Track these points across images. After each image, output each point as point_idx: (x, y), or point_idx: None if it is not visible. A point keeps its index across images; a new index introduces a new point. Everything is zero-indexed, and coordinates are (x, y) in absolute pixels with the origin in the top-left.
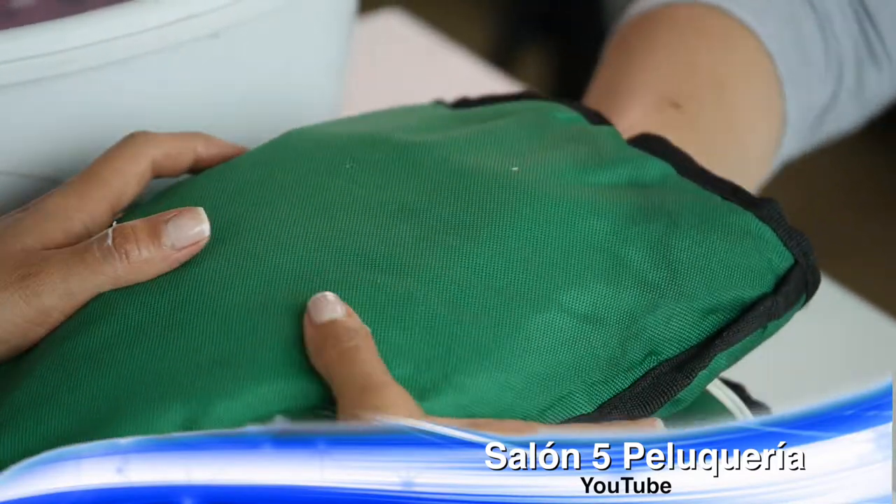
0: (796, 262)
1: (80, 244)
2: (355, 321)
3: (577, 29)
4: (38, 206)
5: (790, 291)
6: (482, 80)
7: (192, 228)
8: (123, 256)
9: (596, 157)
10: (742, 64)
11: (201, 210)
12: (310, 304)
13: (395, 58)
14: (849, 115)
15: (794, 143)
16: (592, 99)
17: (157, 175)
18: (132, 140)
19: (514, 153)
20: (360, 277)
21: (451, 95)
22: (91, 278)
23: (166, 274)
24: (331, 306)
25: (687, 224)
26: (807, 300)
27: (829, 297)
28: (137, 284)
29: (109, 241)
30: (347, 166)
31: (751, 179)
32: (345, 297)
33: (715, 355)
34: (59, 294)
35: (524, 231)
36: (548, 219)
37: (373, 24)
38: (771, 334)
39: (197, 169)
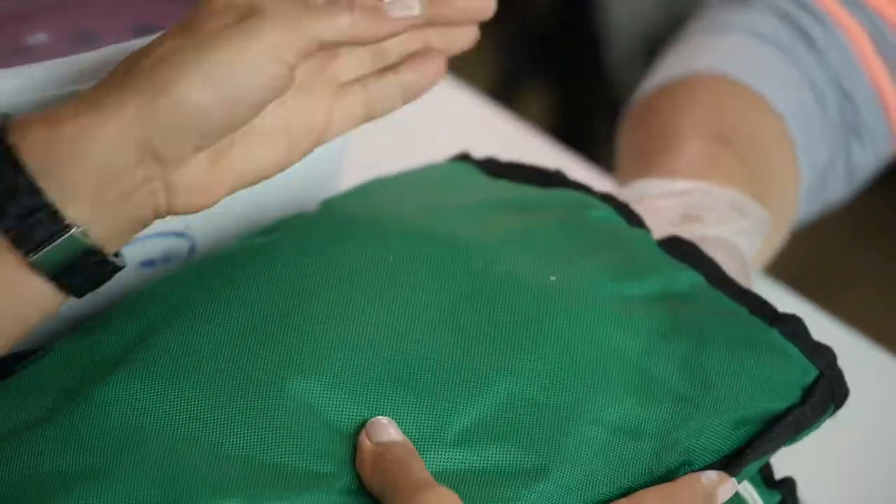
0: (821, 374)
1: None
2: (408, 443)
3: (578, 67)
4: None
5: (816, 403)
6: (486, 116)
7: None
8: (349, 6)
9: (630, 266)
10: (765, 121)
11: None
12: (368, 425)
13: None
14: (840, 185)
15: (806, 205)
16: (635, 153)
17: None
18: None
19: (552, 261)
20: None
21: (455, 132)
22: (310, 26)
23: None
24: (385, 429)
25: (717, 341)
26: (835, 410)
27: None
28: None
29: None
30: (390, 259)
31: (787, 222)
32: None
33: (747, 465)
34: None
35: (560, 347)
36: (583, 335)
37: None
38: (801, 439)
39: None
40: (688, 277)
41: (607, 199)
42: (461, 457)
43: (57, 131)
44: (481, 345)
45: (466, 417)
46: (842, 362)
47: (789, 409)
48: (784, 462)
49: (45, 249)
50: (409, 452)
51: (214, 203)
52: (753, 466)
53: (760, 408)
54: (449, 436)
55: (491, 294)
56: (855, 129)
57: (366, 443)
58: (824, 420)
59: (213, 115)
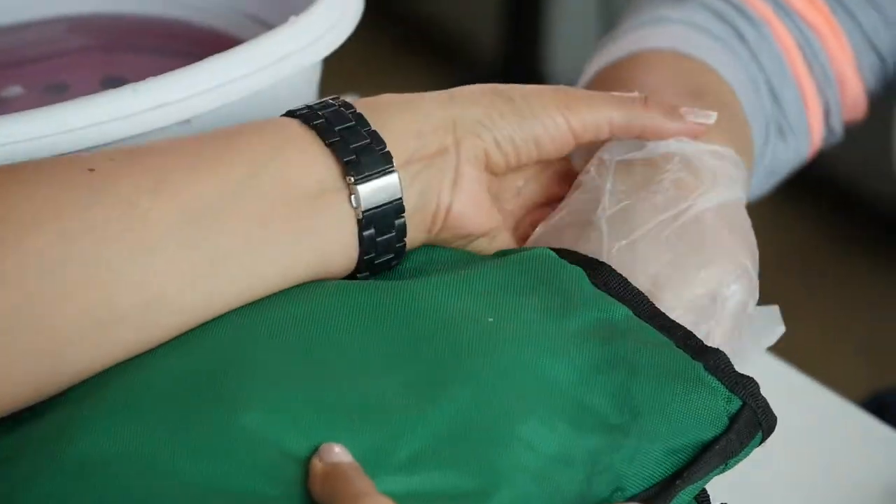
0: (744, 404)
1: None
2: (355, 463)
3: None
4: None
5: (741, 430)
6: None
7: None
8: (644, 106)
9: (564, 303)
10: (725, 89)
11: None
12: (320, 449)
13: None
14: (760, 179)
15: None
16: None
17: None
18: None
19: (490, 301)
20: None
21: None
22: (627, 114)
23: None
24: (335, 452)
25: (646, 373)
26: (764, 438)
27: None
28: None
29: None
30: (334, 304)
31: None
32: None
33: (677, 492)
34: (594, 117)
35: (497, 377)
36: (520, 367)
37: None
38: (732, 467)
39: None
40: (619, 311)
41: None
42: (406, 481)
43: (392, 101)
44: (423, 377)
45: (410, 445)
46: (779, 394)
47: (717, 438)
48: (722, 490)
49: (370, 175)
50: (356, 469)
51: (482, 229)
52: (686, 494)
53: (689, 437)
54: (394, 462)
55: (432, 333)
56: (779, 128)
57: (317, 464)
58: (752, 448)
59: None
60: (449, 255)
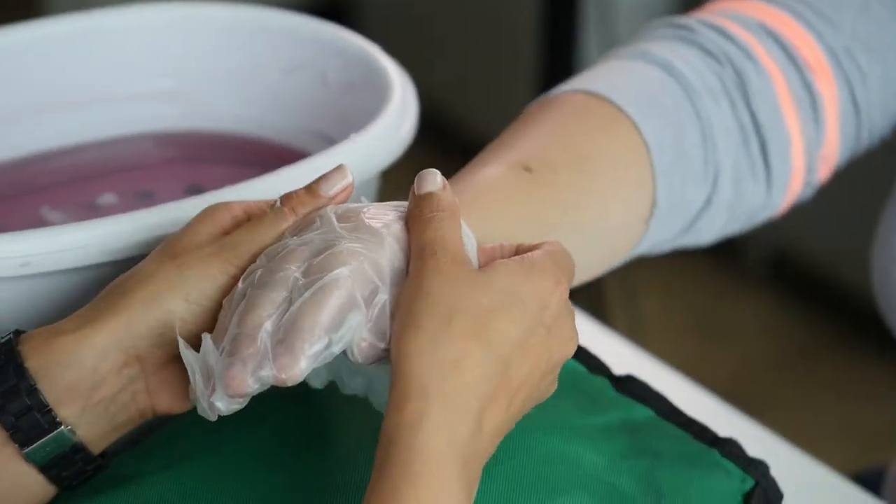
0: (757, 483)
1: (255, 215)
2: (447, 196)
3: None
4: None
5: None
6: None
7: (341, 181)
8: (291, 211)
9: (593, 404)
10: (616, 146)
11: (345, 166)
12: (417, 177)
13: None
14: (718, 223)
15: (662, 231)
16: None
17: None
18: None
19: None
20: None
21: None
22: (270, 232)
23: None
24: (431, 178)
25: (668, 460)
26: None
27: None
28: None
29: (279, 203)
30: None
31: (611, 241)
32: None
33: None
34: (249, 247)
35: (537, 461)
36: (557, 453)
37: None
38: None
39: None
40: (641, 411)
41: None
42: None
43: (58, 341)
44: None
45: None
46: (780, 472)
47: None
48: None
49: (38, 444)
50: (440, 207)
51: (192, 407)
52: None
53: None
54: None
55: None
56: (753, 169)
57: (411, 197)
58: None
59: (188, 325)
60: None
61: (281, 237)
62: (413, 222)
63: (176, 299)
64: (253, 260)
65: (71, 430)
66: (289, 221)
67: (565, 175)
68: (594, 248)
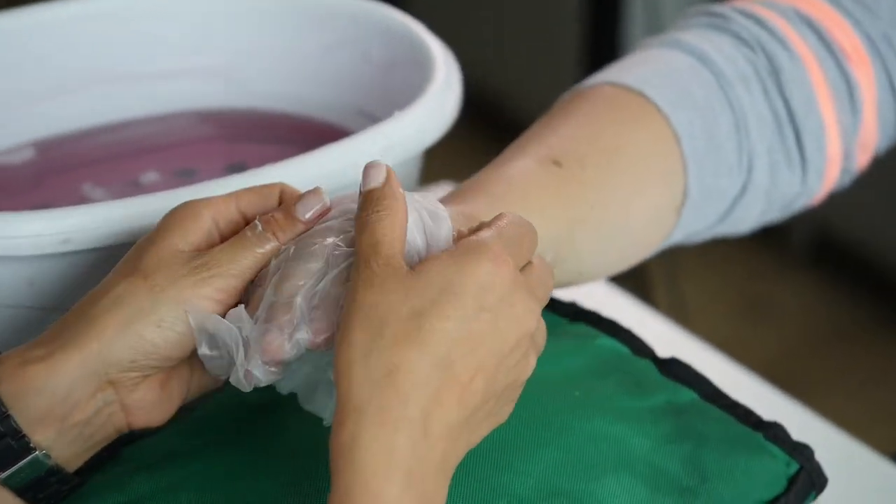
0: (801, 467)
1: (234, 236)
2: (389, 191)
3: None
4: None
5: (799, 490)
6: None
7: (317, 204)
8: (272, 235)
9: (638, 386)
10: (646, 138)
11: (320, 188)
12: (363, 170)
13: None
14: (755, 211)
15: (696, 220)
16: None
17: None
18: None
19: (574, 379)
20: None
21: None
22: (249, 255)
23: None
24: (374, 172)
25: (712, 443)
26: (816, 495)
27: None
28: None
29: (259, 227)
30: None
31: (641, 232)
32: None
33: None
34: (228, 269)
35: (584, 441)
36: (603, 434)
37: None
38: None
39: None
40: (685, 394)
41: (616, 329)
42: None
43: (29, 370)
44: (519, 436)
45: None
46: (822, 454)
47: (776, 498)
48: None
49: (13, 469)
50: (380, 204)
51: (169, 417)
52: None
53: (752, 497)
54: None
55: (527, 399)
56: (788, 156)
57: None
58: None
59: (161, 350)
60: None
61: (262, 261)
62: (356, 224)
63: (149, 326)
64: (232, 283)
65: (45, 455)
66: (271, 244)
67: (593, 170)
68: (624, 240)
